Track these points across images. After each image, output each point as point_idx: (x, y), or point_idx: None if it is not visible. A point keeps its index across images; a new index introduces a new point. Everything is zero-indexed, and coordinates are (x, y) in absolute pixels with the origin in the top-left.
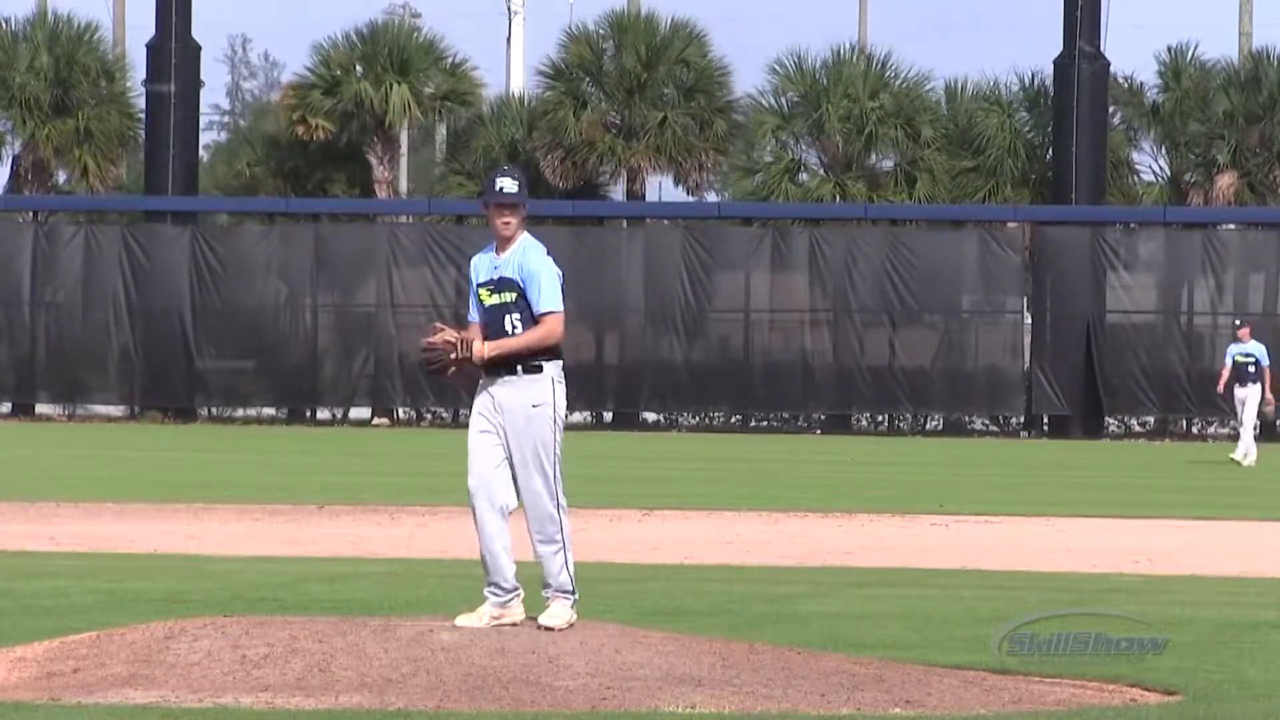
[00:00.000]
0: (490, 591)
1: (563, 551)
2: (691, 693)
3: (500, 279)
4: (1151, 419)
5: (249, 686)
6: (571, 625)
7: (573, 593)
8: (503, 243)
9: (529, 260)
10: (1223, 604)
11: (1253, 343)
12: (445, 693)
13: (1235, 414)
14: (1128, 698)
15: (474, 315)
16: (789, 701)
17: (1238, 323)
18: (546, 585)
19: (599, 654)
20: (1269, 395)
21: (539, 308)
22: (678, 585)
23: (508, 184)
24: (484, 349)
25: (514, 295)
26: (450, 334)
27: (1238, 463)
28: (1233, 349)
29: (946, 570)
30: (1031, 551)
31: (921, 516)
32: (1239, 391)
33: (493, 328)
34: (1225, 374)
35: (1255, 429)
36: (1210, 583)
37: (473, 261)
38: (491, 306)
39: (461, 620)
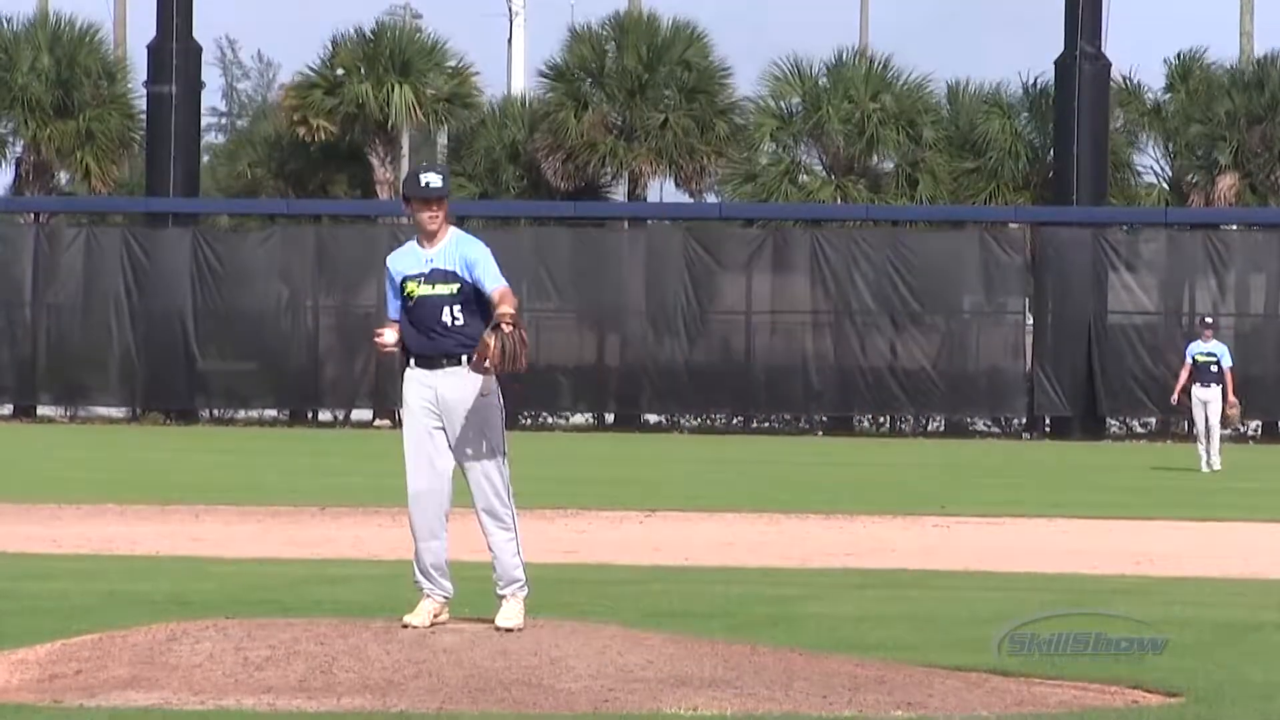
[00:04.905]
0: (440, 591)
1: (515, 539)
2: (694, 694)
3: (434, 270)
4: (1153, 420)
5: (251, 688)
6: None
7: (525, 584)
8: (429, 236)
9: (469, 250)
10: (1224, 605)
11: (1215, 342)
12: (447, 694)
13: (1191, 416)
14: (1129, 699)
15: (394, 312)
16: (791, 703)
17: (1205, 320)
18: (501, 581)
19: (601, 656)
20: (1232, 398)
21: (497, 284)
22: (679, 587)
23: (434, 179)
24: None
25: (455, 287)
26: (493, 338)
27: (1212, 469)
28: (1193, 348)
29: (948, 571)
30: (1033, 553)
31: (923, 518)
32: (1201, 393)
33: (425, 320)
34: (1184, 374)
35: (1223, 434)
36: (1211, 583)
37: (391, 259)
38: (424, 298)
39: (411, 619)
